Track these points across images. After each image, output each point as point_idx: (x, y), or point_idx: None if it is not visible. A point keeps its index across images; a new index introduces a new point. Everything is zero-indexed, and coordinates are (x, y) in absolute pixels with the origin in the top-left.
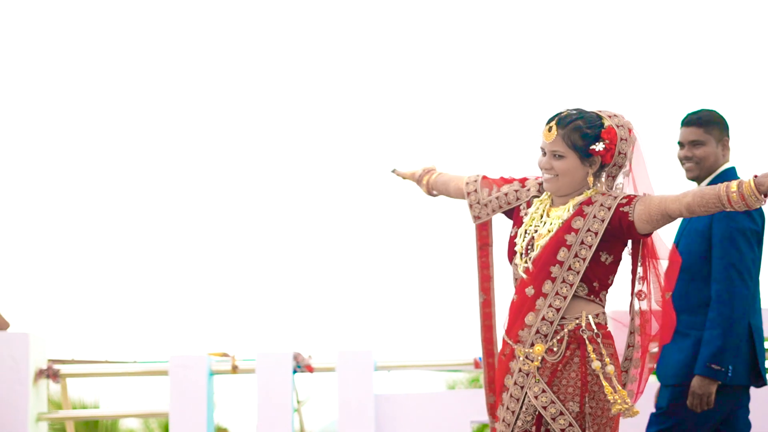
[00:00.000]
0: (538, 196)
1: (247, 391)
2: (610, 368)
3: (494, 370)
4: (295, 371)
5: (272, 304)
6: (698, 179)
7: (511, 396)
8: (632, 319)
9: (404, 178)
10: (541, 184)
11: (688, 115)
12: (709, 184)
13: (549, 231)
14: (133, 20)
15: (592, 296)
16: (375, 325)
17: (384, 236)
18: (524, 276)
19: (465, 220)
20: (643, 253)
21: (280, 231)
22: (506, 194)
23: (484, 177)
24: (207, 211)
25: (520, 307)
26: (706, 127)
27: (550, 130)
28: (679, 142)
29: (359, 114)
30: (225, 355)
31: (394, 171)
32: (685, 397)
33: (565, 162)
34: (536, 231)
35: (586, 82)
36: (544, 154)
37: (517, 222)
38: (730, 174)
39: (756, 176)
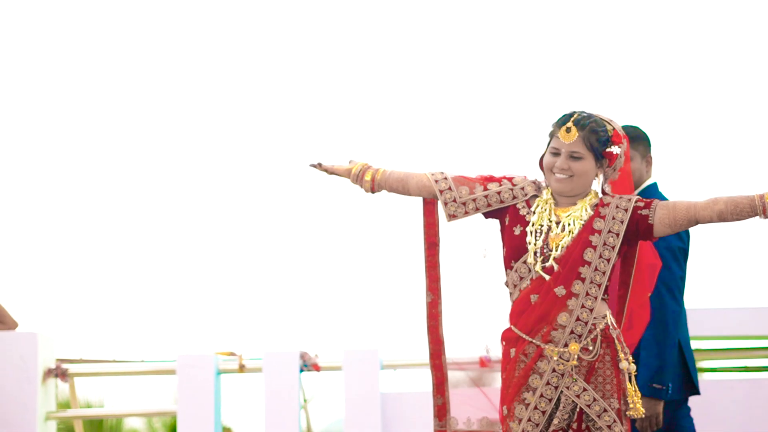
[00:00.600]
0: (537, 196)
1: (252, 390)
2: (633, 367)
3: (442, 370)
4: (301, 370)
5: (279, 303)
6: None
7: (541, 396)
8: (623, 318)
9: (332, 173)
10: (535, 182)
11: None
12: None
13: (570, 232)
14: (133, 20)
15: (606, 295)
16: (381, 323)
17: (390, 235)
18: (544, 275)
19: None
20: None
21: (286, 230)
22: (498, 193)
23: (458, 175)
24: (214, 211)
25: (549, 308)
26: (632, 144)
27: (568, 131)
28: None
29: (361, 114)
30: (232, 354)
31: (318, 165)
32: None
33: (582, 163)
34: (549, 230)
35: (572, 84)
36: (556, 154)
37: (519, 221)
38: (653, 189)
39: None
